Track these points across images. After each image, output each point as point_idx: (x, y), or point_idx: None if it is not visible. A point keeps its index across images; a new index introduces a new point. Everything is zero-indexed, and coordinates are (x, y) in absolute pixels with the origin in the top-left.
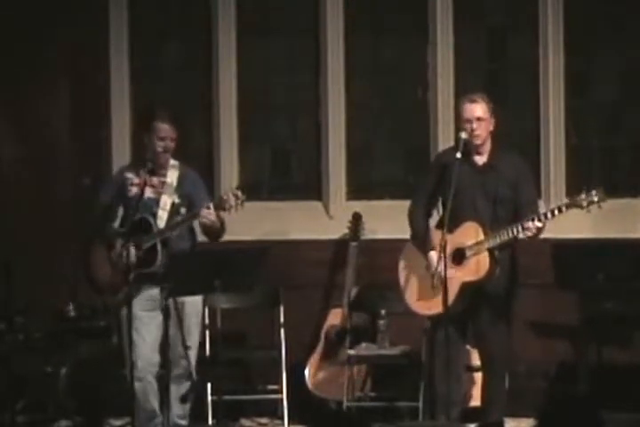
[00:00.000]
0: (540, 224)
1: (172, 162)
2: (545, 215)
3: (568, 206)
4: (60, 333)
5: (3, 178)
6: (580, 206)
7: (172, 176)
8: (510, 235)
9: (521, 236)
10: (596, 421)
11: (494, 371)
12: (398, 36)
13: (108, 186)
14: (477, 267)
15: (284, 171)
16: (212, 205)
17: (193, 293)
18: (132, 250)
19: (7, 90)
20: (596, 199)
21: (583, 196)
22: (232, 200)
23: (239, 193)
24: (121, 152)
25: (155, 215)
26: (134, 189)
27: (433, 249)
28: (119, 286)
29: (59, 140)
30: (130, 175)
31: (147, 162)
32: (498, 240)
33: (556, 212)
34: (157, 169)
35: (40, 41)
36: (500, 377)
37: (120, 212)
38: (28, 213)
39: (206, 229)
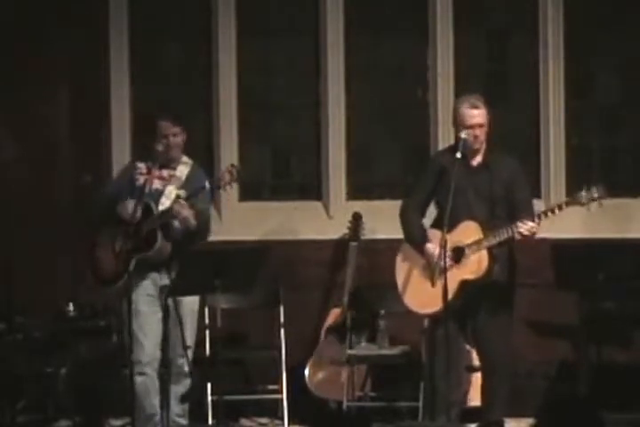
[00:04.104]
0: (535, 224)
1: (185, 159)
2: (545, 213)
3: (568, 204)
4: (60, 333)
5: (3, 178)
6: (581, 204)
7: (182, 171)
8: (509, 233)
9: (517, 236)
10: (596, 421)
11: (494, 370)
12: (398, 36)
13: (120, 177)
14: (476, 265)
15: (284, 171)
16: (182, 200)
17: (193, 293)
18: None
19: (7, 90)
20: (596, 196)
21: (583, 193)
22: (226, 177)
23: (234, 170)
24: (121, 152)
25: (157, 204)
26: (141, 179)
27: (429, 242)
28: (121, 273)
29: (59, 140)
30: (140, 165)
31: (154, 158)
32: (497, 239)
33: (557, 210)
34: (168, 163)
35: (40, 41)
36: (499, 376)
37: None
38: (28, 213)
39: (184, 227)
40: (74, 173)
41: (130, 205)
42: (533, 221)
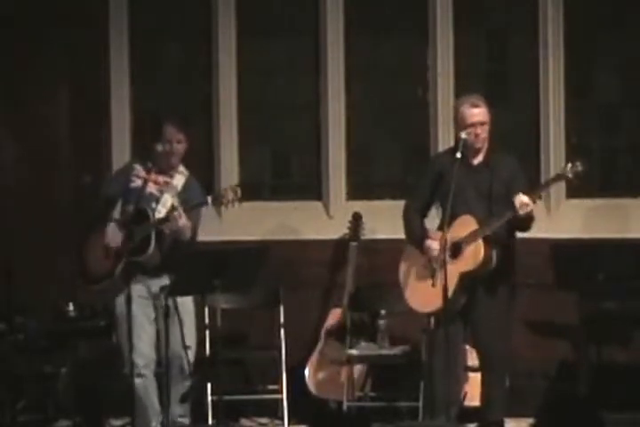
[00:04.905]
0: (527, 199)
1: (182, 169)
2: (534, 191)
3: (555, 180)
4: (59, 333)
5: (3, 178)
6: (566, 178)
7: (178, 180)
8: (503, 219)
9: (519, 233)
10: (596, 421)
11: (492, 369)
12: (398, 36)
13: (117, 177)
14: (473, 255)
15: (284, 171)
16: (181, 210)
17: (193, 293)
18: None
19: (7, 90)
20: (580, 169)
21: (568, 168)
22: (230, 195)
23: (238, 190)
24: (121, 152)
25: (153, 211)
26: (138, 182)
27: (428, 238)
28: (110, 272)
29: (59, 140)
30: (138, 167)
31: (149, 162)
32: (491, 227)
33: (545, 187)
34: (166, 169)
35: (40, 41)
36: (498, 376)
37: (119, 201)
38: (28, 213)
39: (176, 235)
40: (74, 173)
41: (112, 230)
42: (529, 196)
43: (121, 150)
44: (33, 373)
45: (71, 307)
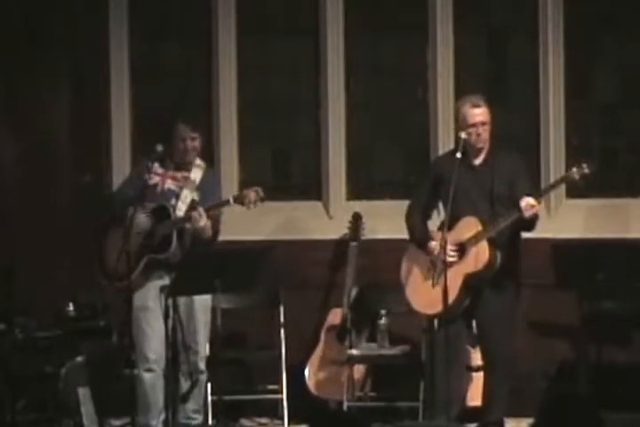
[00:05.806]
0: (533, 201)
1: (199, 162)
2: (540, 193)
3: (562, 181)
4: (60, 333)
5: (3, 178)
6: (574, 180)
7: (195, 174)
8: (508, 220)
9: (525, 233)
10: (596, 421)
11: (495, 370)
12: (398, 35)
13: (133, 176)
14: (477, 257)
15: (284, 171)
16: (202, 210)
17: (193, 292)
18: (142, 217)
19: (7, 90)
20: (587, 171)
21: (575, 169)
22: (252, 196)
23: (260, 190)
24: (121, 152)
25: (174, 207)
26: (156, 178)
27: (432, 239)
28: (132, 271)
29: (59, 140)
30: (152, 164)
31: (165, 158)
32: (496, 228)
33: (552, 188)
34: (183, 165)
35: (40, 41)
36: (500, 376)
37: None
38: (28, 213)
39: (196, 234)
40: (74, 173)
41: (143, 218)
42: (535, 197)
43: (121, 150)
44: (33, 373)
45: (71, 307)
